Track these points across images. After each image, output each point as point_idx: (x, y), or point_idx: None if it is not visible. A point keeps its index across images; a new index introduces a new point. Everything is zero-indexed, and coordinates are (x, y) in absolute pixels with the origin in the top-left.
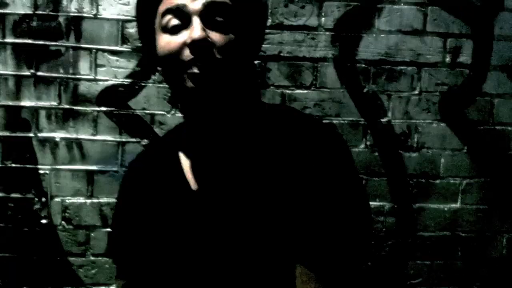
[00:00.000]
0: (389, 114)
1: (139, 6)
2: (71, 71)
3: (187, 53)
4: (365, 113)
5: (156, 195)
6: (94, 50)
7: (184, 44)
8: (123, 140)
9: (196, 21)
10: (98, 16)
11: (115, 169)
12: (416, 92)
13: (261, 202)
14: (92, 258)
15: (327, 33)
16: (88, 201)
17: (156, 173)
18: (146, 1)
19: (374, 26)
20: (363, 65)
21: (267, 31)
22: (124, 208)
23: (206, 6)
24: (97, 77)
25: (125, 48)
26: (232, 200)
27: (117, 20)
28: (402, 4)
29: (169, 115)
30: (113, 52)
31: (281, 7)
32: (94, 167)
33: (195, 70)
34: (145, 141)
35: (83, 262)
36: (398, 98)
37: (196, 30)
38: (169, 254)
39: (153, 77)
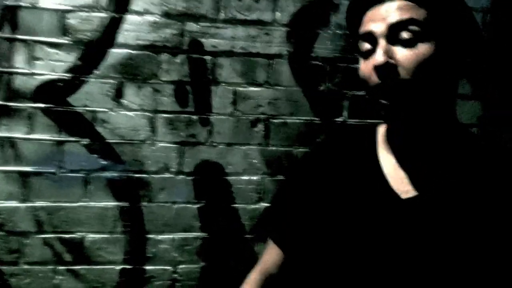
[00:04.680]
0: (345, 113)
1: (348, 28)
2: (5, 64)
3: (374, 79)
4: (320, 112)
5: (348, 188)
6: (31, 42)
7: (373, 69)
8: (62, 139)
9: (380, 45)
10: (37, 6)
11: (52, 170)
12: None
13: (472, 226)
14: (25, 266)
15: (283, 28)
16: (23, 205)
17: (349, 166)
18: (352, 26)
19: (330, 22)
20: (319, 63)
21: (219, 25)
22: (304, 189)
23: (391, 27)
24: (34, 71)
25: (65, 40)
26: (441, 217)
27: (58, 10)
28: None
29: (112, 113)
30: (52, 45)
31: (234, 1)
32: (29, 169)
33: (384, 102)
34: (86, 140)
35: (15, 271)
36: (354, 97)
37: (377, 55)
38: (347, 247)
39: (95, 71)
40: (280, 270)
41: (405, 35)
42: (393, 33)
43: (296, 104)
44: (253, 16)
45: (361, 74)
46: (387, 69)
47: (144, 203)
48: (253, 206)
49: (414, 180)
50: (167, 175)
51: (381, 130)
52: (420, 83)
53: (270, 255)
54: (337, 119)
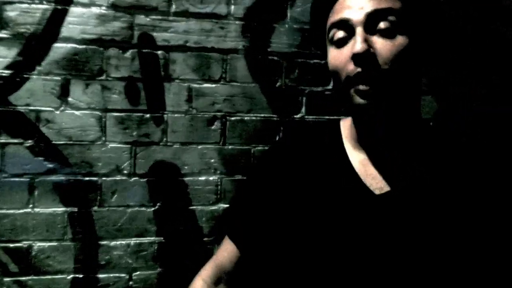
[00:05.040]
0: (303, 110)
1: (313, 18)
2: None
3: (352, 67)
4: (278, 109)
5: (316, 186)
6: None
7: (349, 58)
8: (3, 141)
9: (358, 33)
10: None
11: None
12: (330, 86)
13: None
14: None
15: (238, 22)
16: None
17: (315, 163)
18: (319, 14)
19: (287, 16)
20: (276, 58)
21: (171, 18)
22: (267, 187)
23: (369, 15)
24: None
25: (4, 34)
26: (417, 211)
27: None
28: None
29: (57, 112)
30: None
31: None
32: None
33: (362, 87)
34: (29, 142)
35: None
36: (311, 92)
37: (357, 43)
38: (314, 242)
39: (38, 68)
40: (235, 267)
41: (383, 25)
42: (370, 22)
43: (253, 101)
44: (207, 9)
45: (333, 64)
46: (367, 57)
47: (95, 208)
48: (211, 208)
49: (386, 175)
50: (119, 177)
51: (346, 125)
52: (398, 75)
53: (226, 251)
54: (295, 116)
